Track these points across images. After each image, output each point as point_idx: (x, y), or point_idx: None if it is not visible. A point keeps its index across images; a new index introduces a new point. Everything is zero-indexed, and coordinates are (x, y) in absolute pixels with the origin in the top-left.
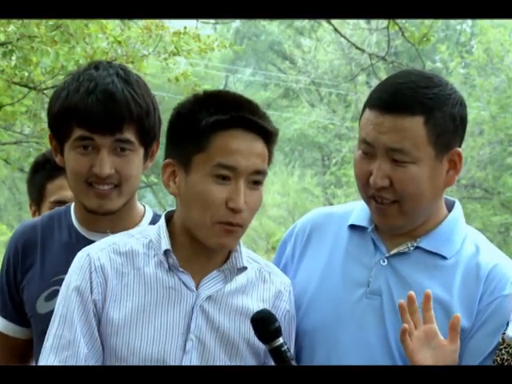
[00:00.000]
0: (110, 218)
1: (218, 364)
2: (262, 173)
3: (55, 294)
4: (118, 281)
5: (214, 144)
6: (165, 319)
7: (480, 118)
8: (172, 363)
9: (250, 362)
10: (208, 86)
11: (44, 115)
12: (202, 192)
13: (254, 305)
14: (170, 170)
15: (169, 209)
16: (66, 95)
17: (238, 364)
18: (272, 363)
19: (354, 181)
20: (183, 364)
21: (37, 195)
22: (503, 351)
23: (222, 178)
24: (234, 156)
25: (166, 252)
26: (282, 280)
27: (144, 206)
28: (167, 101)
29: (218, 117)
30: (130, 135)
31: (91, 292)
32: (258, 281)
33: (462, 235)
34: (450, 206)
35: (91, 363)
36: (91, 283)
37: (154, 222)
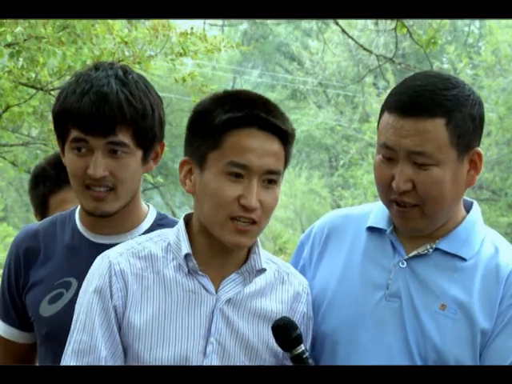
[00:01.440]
0: (112, 219)
1: (237, 363)
2: (275, 172)
3: (59, 296)
4: (139, 285)
5: (227, 142)
6: (185, 323)
7: (487, 119)
8: (191, 365)
9: (269, 363)
10: (215, 87)
11: (51, 116)
12: (215, 189)
13: (273, 307)
14: (186, 168)
15: (176, 210)
16: (65, 96)
17: (255, 362)
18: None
19: (361, 182)
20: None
21: (41, 208)
22: None
23: (235, 176)
24: (247, 154)
25: (186, 256)
26: (301, 281)
27: (148, 206)
28: (175, 102)
29: (231, 114)
30: (123, 137)
31: (111, 297)
32: (277, 282)
33: (480, 236)
34: (467, 207)
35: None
36: (111, 288)
37: (157, 222)
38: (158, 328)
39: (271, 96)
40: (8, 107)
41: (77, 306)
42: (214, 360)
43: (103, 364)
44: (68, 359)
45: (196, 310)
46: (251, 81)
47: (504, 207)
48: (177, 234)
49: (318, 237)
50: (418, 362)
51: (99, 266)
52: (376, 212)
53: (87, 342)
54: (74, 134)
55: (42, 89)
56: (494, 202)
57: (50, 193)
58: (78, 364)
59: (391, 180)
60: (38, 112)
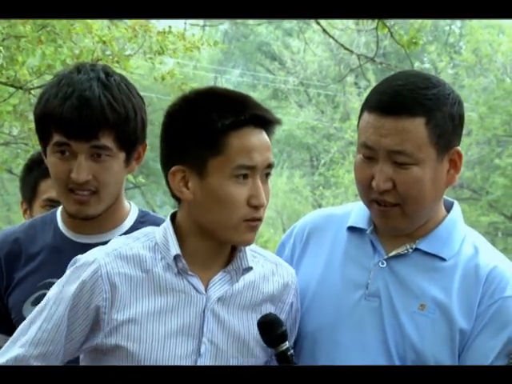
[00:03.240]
0: (95, 219)
1: (231, 364)
2: (272, 165)
3: (42, 298)
4: (127, 286)
5: (231, 146)
6: (176, 323)
7: (468, 119)
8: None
9: (261, 357)
10: (195, 86)
11: (31, 115)
12: (224, 194)
13: (263, 300)
14: (179, 177)
15: (157, 209)
16: (47, 99)
17: (250, 361)
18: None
19: (342, 182)
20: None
21: (29, 193)
22: None
23: (242, 178)
24: (253, 154)
25: (175, 257)
26: (289, 271)
27: (130, 204)
28: (156, 101)
29: (232, 118)
30: (106, 141)
31: (93, 297)
32: (266, 274)
33: (460, 236)
34: (448, 207)
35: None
36: (94, 289)
37: (139, 219)
38: (148, 328)
39: (252, 96)
40: None
41: (49, 296)
42: (207, 359)
43: (60, 359)
44: (27, 344)
45: (186, 310)
46: (232, 80)
47: (485, 206)
48: (164, 234)
49: (299, 237)
50: (397, 362)
51: (85, 265)
52: (356, 212)
53: (50, 334)
54: (56, 137)
55: (21, 88)
56: (475, 201)
57: (42, 177)
58: (32, 352)
59: (371, 179)
60: (18, 111)
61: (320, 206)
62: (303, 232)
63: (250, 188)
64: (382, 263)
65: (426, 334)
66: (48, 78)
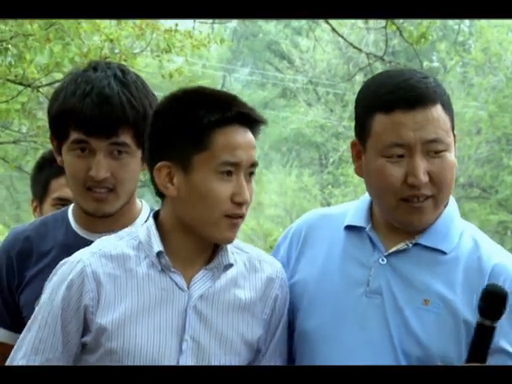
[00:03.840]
0: (108, 218)
1: (213, 361)
2: (256, 164)
3: None
4: (111, 285)
5: (216, 142)
6: (158, 320)
7: (478, 117)
8: (168, 364)
9: (244, 354)
10: (204, 83)
11: (40, 113)
12: (207, 190)
13: (247, 295)
14: (165, 172)
15: (154, 207)
16: (64, 97)
17: (233, 358)
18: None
19: (351, 180)
20: (180, 365)
21: (40, 191)
22: None
23: (227, 175)
24: (237, 151)
25: (158, 254)
26: (273, 266)
27: (142, 203)
28: None
29: (218, 115)
30: (126, 138)
31: (82, 297)
32: (249, 271)
33: (458, 230)
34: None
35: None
36: (83, 289)
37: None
38: (130, 326)
39: (261, 94)
40: None
41: (41, 303)
42: (189, 357)
43: (56, 363)
44: (25, 356)
45: (168, 307)
46: (241, 79)
47: (494, 205)
48: (147, 233)
49: (295, 238)
50: (402, 358)
51: (70, 266)
52: (353, 211)
53: (48, 341)
54: (74, 135)
55: (29, 86)
56: (485, 199)
57: (54, 176)
58: (34, 362)
59: (403, 179)
60: (27, 109)
61: (329, 204)
62: (300, 233)
63: (234, 185)
64: (383, 260)
65: (431, 330)
66: (56, 75)
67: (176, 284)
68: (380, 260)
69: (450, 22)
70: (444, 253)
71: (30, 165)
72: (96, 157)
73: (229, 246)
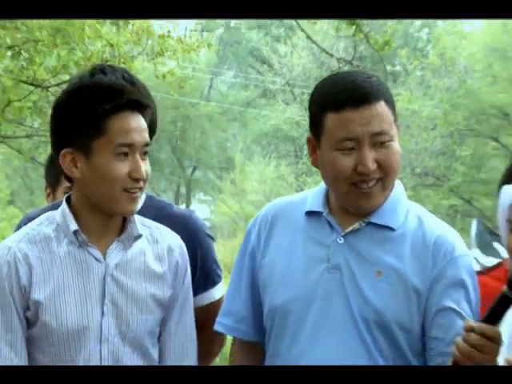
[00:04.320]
0: None
1: (131, 320)
2: (149, 144)
3: None
4: (40, 265)
5: (112, 127)
6: (83, 290)
7: (433, 115)
8: (93, 326)
9: (157, 313)
10: (192, 82)
11: (50, 110)
12: (107, 170)
13: (153, 262)
14: (69, 158)
15: (160, 193)
16: None
17: (148, 317)
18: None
19: None
20: (103, 325)
21: (53, 181)
22: None
23: (124, 155)
24: (131, 134)
25: (75, 232)
26: (172, 238)
27: None
28: (159, 100)
29: (112, 103)
30: None
31: (19, 280)
32: (152, 243)
33: (404, 209)
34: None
35: (23, 344)
36: (18, 272)
37: (147, 202)
38: (60, 299)
39: (244, 94)
40: (10, 102)
41: None
42: (110, 318)
43: (20, 342)
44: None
45: (90, 277)
46: (226, 81)
47: (446, 191)
48: (63, 215)
49: (263, 224)
50: (360, 324)
51: (3, 255)
52: (312, 198)
53: (5, 323)
54: None
55: (39, 86)
56: (438, 187)
57: None
58: (7, 339)
59: (353, 167)
60: (38, 107)
61: (302, 190)
62: (267, 220)
63: (131, 163)
64: (340, 239)
65: (384, 297)
66: (63, 77)
67: (94, 257)
68: (338, 239)
69: (411, 30)
70: (392, 229)
71: (41, 156)
72: None
73: (137, 221)
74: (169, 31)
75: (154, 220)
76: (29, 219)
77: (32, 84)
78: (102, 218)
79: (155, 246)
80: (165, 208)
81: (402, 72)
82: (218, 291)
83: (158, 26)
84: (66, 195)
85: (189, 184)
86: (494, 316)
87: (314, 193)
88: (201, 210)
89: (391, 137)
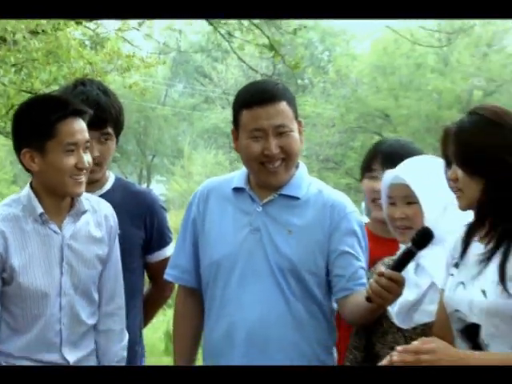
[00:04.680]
0: (89, 183)
1: (81, 275)
2: (89, 141)
3: None
4: (12, 239)
5: (61, 131)
6: (46, 257)
7: (332, 116)
8: (54, 283)
9: (99, 267)
10: (152, 91)
11: None
12: (59, 164)
13: (94, 230)
14: (28, 156)
15: (128, 176)
16: None
17: (93, 271)
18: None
19: None
20: (62, 282)
21: None
22: None
23: (71, 151)
24: (76, 135)
25: (40, 214)
26: (107, 207)
27: (109, 172)
28: (126, 105)
29: (60, 112)
30: (110, 130)
31: None
32: (92, 212)
33: (307, 183)
34: (296, 166)
35: None
36: None
37: (116, 182)
38: (29, 264)
39: (191, 101)
40: (13, 106)
41: None
42: (66, 276)
43: None
44: None
45: (51, 247)
46: (178, 91)
47: (343, 173)
48: (28, 198)
49: (201, 198)
50: (277, 272)
51: None
52: (238, 177)
53: None
54: None
55: (35, 94)
56: (336, 170)
57: None
58: None
59: (262, 151)
60: None
61: None
62: (203, 194)
63: (76, 157)
64: (259, 208)
65: (295, 250)
66: (54, 87)
67: (53, 231)
68: (257, 208)
69: (315, 52)
70: (298, 198)
71: None
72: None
73: (84, 198)
74: (134, 52)
75: (122, 195)
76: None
77: (30, 92)
78: (56, 199)
79: (95, 214)
80: (130, 187)
81: (309, 84)
82: (170, 250)
83: (126, 49)
84: (30, 181)
85: (149, 168)
86: (399, 265)
87: (238, 173)
88: (158, 188)
89: (291, 129)
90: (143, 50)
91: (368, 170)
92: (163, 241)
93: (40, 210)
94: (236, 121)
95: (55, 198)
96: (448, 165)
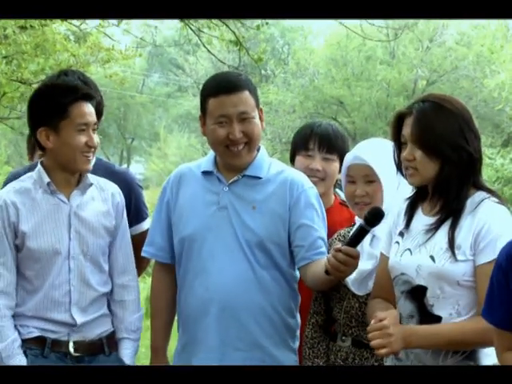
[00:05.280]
0: None
1: (89, 242)
2: (97, 123)
3: None
4: (24, 208)
5: (73, 112)
6: (55, 223)
7: (293, 103)
8: (63, 248)
9: (106, 238)
10: (130, 81)
11: None
12: (71, 141)
13: (101, 204)
14: (43, 134)
15: (109, 156)
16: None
17: (101, 240)
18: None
19: None
20: (70, 247)
21: (31, 150)
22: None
23: (83, 131)
24: (86, 116)
25: (48, 184)
26: (113, 187)
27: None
28: (107, 93)
29: (72, 96)
30: None
31: (9, 218)
32: (100, 190)
33: (267, 163)
34: (257, 150)
35: (13, 264)
36: (8, 213)
37: (97, 162)
38: (39, 229)
39: (166, 89)
40: (4, 94)
41: None
42: (75, 242)
43: (11, 261)
44: None
45: (59, 214)
46: (154, 80)
47: None
48: (38, 173)
49: (174, 182)
50: (244, 245)
51: None
52: (206, 162)
53: (1, 248)
54: None
55: (25, 83)
56: None
57: None
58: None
59: (227, 135)
60: (24, 97)
61: (206, 154)
62: (176, 178)
63: (86, 136)
64: (225, 188)
65: (259, 224)
66: (41, 76)
67: (61, 200)
68: (224, 188)
69: (276, 46)
70: (260, 178)
71: (28, 132)
72: None
73: (90, 176)
74: (113, 46)
75: (102, 175)
76: (12, 174)
77: (20, 82)
78: (66, 175)
79: (102, 192)
80: (110, 167)
81: (271, 75)
82: (146, 224)
83: (106, 43)
84: (40, 160)
85: (129, 150)
86: (354, 242)
87: (206, 158)
88: (137, 167)
89: (253, 115)
90: (122, 44)
91: (304, 149)
92: (140, 216)
93: (47, 179)
94: (203, 108)
95: (65, 173)
96: (398, 146)
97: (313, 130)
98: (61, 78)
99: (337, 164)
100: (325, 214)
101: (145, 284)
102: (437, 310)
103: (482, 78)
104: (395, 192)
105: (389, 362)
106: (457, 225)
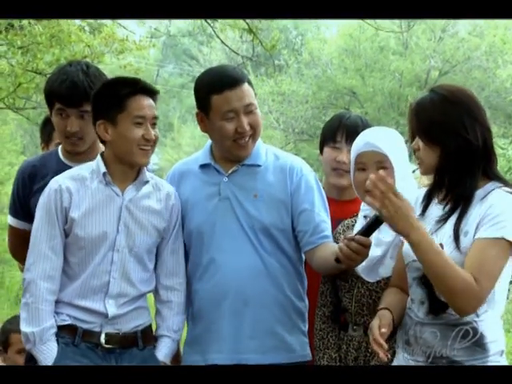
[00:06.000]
0: (81, 153)
1: (136, 238)
2: (157, 117)
3: None
4: (77, 194)
5: (131, 105)
6: (105, 214)
7: (306, 93)
8: (109, 239)
9: (155, 237)
10: (144, 72)
11: None
12: (128, 134)
13: (154, 203)
14: (102, 127)
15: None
16: (52, 83)
17: (149, 239)
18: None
19: None
20: (116, 239)
21: (46, 138)
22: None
23: (139, 124)
24: (144, 110)
25: (104, 174)
26: (169, 187)
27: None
28: None
29: (130, 89)
30: (87, 107)
31: (62, 202)
32: (156, 190)
33: (264, 150)
34: None
35: (61, 248)
36: (62, 197)
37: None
38: (88, 217)
39: (180, 80)
40: (20, 85)
41: (40, 207)
42: (122, 235)
43: (61, 244)
44: (44, 240)
45: (111, 206)
46: (168, 71)
47: (316, 145)
48: (97, 164)
49: (173, 180)
50: (249, 231)
51: (53, 186)
52: (203, 155)
53: (50, 233)
54: (57, 105)
55: (40, 73)
56: (310, 141)
57: (54, 129)
58: (49, 244)
59: (235, 129)
60: (39, 88)
61: None
62: (175, 175)
63: (144, 130)
64: (225, 179)
65: (261, 210)
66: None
67: (115, 192)
68: (224, 179)
69: (290, 36)
70: (259, 165)
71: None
72: (69, 119)
73: (147, 174)
74: (127, 36)
75: None
76: (26, 161)
77: (35, 72)
78: (124, 168)
79: (158, 192)
80: None
81: (284, 65)
82: None
83: (121, 33)
84: (101, 152)
85: None
86: (367, 231)
87: (201, 152)
88: (152, 157)
89: (256, 106)
90: (136, 35)
91: (332, 141)
92: None
93: (103, 169)
94: (204, 105)
95: (123, 166)
96: (413, 137)
97: (341, 121)
98: (64, 69)
99: None
100: (325, 196)
101: None
102: None
103: (495, 69)
104: (408, 180)
105: (400, 349)
106: (465, 214)
